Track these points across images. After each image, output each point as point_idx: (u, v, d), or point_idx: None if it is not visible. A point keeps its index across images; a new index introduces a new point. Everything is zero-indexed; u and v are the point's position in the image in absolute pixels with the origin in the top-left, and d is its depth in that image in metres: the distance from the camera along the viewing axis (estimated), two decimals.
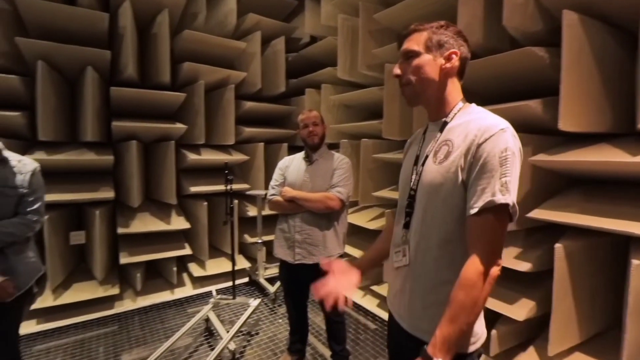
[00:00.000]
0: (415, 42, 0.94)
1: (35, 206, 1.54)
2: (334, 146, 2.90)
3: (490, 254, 0.81)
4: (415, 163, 0.99)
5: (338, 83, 3.28)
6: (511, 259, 1.73)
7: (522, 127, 1.75)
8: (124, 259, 2.86)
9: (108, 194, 2.82)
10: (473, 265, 0.80)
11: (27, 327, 2.52)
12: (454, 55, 0.92)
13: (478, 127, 0.85)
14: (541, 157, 1.62)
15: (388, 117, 2.49)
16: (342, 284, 1.01)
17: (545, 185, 1.76)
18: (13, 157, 1.51)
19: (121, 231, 2.83)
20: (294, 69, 3.86)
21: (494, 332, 1.73)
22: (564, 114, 1.47)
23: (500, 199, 0.79)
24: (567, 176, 1.80)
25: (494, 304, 1.76)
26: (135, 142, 2.80)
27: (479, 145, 0.82)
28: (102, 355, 2.30)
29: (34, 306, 2.47)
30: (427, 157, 0.95)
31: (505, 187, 0.79)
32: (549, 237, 1.73)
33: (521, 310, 1.68)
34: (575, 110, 1.49)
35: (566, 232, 1.65)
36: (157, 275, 3.31)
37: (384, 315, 2.75)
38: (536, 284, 1.79)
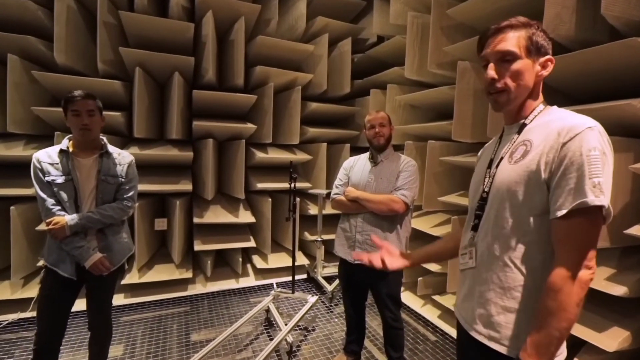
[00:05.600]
0: (512, 43, 0.85)
1: (130, 193, 1.76)
2: (398, 148, 2.82)
3: (579, 258, 0.75)
4: (489, 166, 0.94)
5: (404, 83, 3.20)
6: (602, 280, 1.51)
7: (622, 130, 1.54)
8: (198, 246, 3.14)
9: (187, 186, 3.12)
10: (560, 270, 0.76)
11: (116, 300, 2.89)
12: (549, 63, 0.87)
13: (562, 126, 0.79)
14: None
15: (459, 118, 2.35)
16: (386, 257, 1.18)
17: None
18: (114, 151, 1.76)
19: (196, 221, 3.11)
20: (359, 69, 3.85)
21: None
22: None
23: (594, 200, 0.73)
24: None
25: (578, 330, 1.55)
26: (212, 140, 3.05)
27: (564, 144, 0.77)
28: (175, 332, 2.55)
29: (123, 281, 2.84)
30: (502, 159, 0.90)
31: (599, 188, 0.73)
32: None
33: (612, 340, 1.46)
34: None
35: None
36: (224, 263, 3.57)
37: (446, 328, 2.60)
38: (633, 311, 1.54)
